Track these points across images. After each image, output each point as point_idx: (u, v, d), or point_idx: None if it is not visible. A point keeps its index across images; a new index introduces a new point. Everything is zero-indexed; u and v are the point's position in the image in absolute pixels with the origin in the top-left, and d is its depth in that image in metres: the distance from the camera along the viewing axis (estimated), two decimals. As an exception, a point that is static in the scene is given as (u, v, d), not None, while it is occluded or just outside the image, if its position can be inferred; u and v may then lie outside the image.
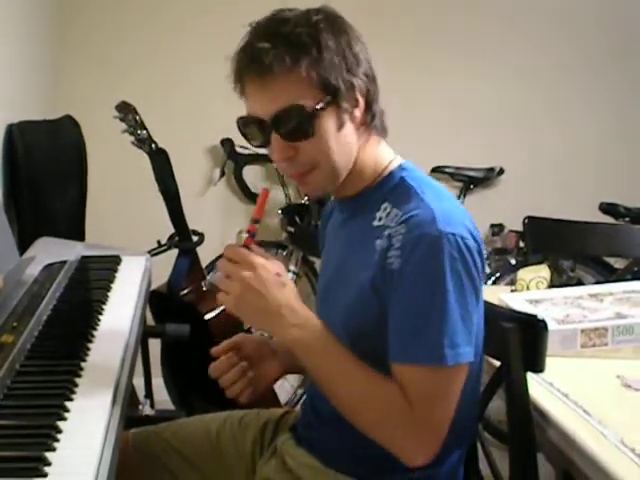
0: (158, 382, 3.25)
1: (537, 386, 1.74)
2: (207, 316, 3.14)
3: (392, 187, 1.56)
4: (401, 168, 1.58)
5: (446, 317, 1.40)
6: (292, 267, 4.03)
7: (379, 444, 1.47)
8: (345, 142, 1.51)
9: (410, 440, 1.44)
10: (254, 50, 1.46)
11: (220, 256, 3.96)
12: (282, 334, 1.48)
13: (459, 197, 4.22)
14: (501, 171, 4.33)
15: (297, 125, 1.46)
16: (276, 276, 1.47)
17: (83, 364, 1.56)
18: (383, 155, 1.59)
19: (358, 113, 1.51)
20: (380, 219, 1.52)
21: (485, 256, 1.53)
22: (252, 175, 4.18)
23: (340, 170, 1.53)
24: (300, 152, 1.50)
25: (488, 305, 1.60)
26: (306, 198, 4.00)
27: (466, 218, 1.49)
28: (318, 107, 1.46)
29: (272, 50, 1.43)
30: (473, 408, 1.63)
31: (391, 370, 1.45)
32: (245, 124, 1.53)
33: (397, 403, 1.43)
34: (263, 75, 1.45)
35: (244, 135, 1.55)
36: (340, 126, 1.49)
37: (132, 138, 3.06)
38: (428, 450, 1.44)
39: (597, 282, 3.55)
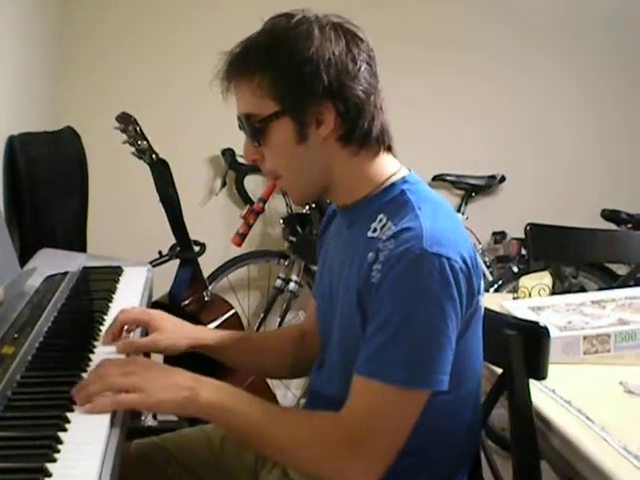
0: (161, 393, 3.24)
1: (540, 393, 1.74)
2: (209, 326, 3.14)
3: (391, 199, 1.54)
4: (404, 180, 1.56)
5: (410, 339, 1.38)
6: (294, 276, 4.03)
7: None
8: (308, 156, 1.52)
9: (348, 462, 1.41)
10: (227, 54, 1.53)
11: (221, 267, 3.98)
12: (195, 401, 1.44)
13: (460, 205, 4.22)
14: (502, 179, 4.33)
15: (249, 131, 1.54)
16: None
17: (84, 375, 1.55)
18: (381, 168, 1.57)
19: (326, 130, 1.50)
20: (375, 230, 1.50)
21: (481, 279, 1.49)
22: (253, 185, 4.17)
23: (306, 182, 1.57)
24: (265, 158, 1.56)
25: (490, 312, 1.60)
26: (307, 207, 4.00)
27: (461, 240, 1.46)
28: (264, 117, 1.50)
29: (236, 57, 1.52)
30: (475, 426, 1.63)
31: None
32: None
33: (325, 435, 1.43)
34: (229, 79, 1.53)
35: None
36: (300, 139, 1.50)
37: (133, 149, 3.06)
38: (371, 470, 1.41)
39: (600, 289, 3.55)
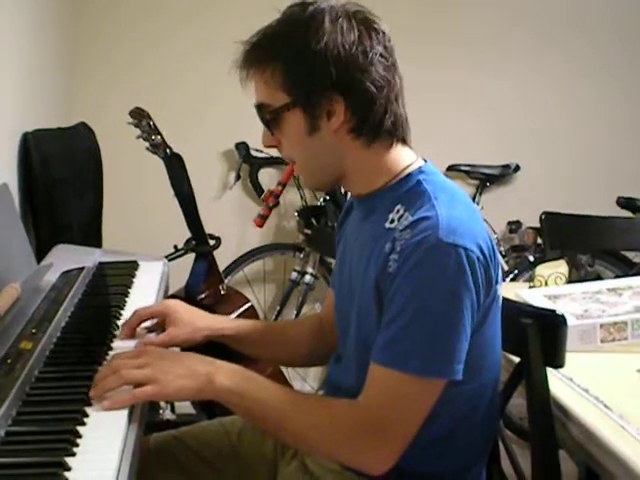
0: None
1: (557, 382, 1.73)
2: (226, 319, 3.14)
3: (407, 189, 1.54)
4: (420, 171, 1.56)
5: (426, 328, 1.39)
6: (309, 269, 4.03)
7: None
8: (320, 147, 1.53)
9: (363, 448, 1.44)
10: (245, 44, 1.55)
11: (236, 260, 3.99)
12: (211, 385, 1.46)
13: (475, 195, 4.21)
14: (517, 168, 4.31)
15: (264, 120, 1.57)
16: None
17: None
18: (396, 159, 1.56)
19: (336, 122, 1.50)
20: (392, 221, 1.50)
21: (498, 268, 1.49)
22: (268, 178, 4.18)
23: (318, 171, 1.59)
24: (282, 145, 1.59)
25: (506, 302, 1.60)
26: (322, 199, 4.01)
27: (478, 229, 1.46)
28: (277, 108, 1.52)
29: (251, 48, 1.53)
30: (494, 415, 1.64)
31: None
32: None
33: (342, 421, 1.45)
34: (245, 68, 1.54)
35: None
36: (312, 131, 1.51)
37: (147, 144, 3.07)
38: (385, 456, 1.43)
39: (616, 276, 3.53)
